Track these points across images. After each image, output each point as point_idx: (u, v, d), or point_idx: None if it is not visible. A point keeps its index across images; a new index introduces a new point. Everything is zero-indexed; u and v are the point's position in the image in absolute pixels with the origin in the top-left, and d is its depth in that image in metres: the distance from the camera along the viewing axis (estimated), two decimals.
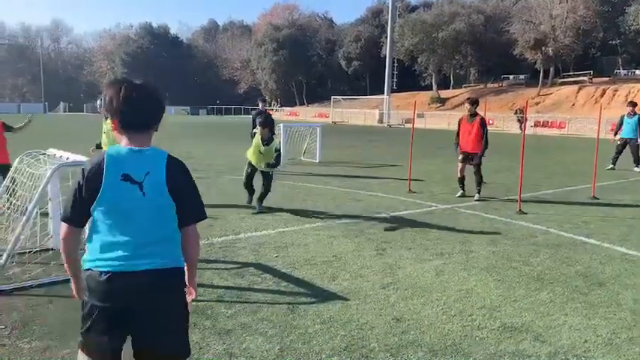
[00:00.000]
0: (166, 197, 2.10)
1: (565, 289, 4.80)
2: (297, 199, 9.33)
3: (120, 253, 2.08)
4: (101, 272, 2.08)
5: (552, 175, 13.22)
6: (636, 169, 14.15)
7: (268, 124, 8.27)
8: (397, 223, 7.48)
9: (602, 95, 43.36)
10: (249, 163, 8.43)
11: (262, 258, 5.58)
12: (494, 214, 8.26)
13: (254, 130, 8.39)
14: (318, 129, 16.18)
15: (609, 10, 46.71)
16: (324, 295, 4.54)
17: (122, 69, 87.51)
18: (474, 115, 9.51)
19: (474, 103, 9.73)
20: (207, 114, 79.73)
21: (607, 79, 48.22)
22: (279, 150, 8.31)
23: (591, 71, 49.68)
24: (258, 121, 8.56)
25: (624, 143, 14.46)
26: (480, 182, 9.52)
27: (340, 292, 4.61)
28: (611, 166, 14.33)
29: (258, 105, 14.00)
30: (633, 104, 14.82)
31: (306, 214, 7.92)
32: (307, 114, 63.47)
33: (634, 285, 4.94)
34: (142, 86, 2.18)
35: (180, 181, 2.14)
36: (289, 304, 4.32)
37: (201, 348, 3.49)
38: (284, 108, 72.45)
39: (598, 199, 9.69)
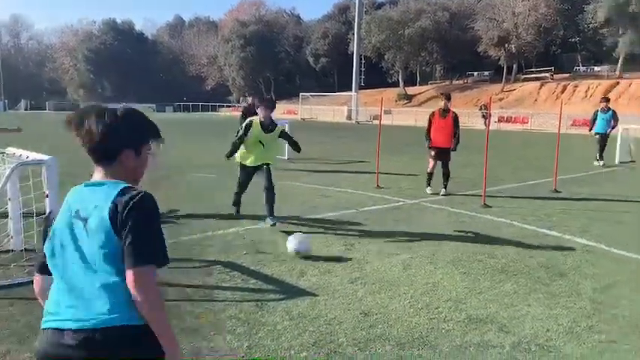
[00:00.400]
0: (109, 238, 1.67)
1: (528, 281, 4.92)
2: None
3: (52, 306, 1.74)
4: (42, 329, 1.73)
5: (516, 170, 13.52)
6: (596, 162, 14.53)
7: (273, 106, 7.12)
8: (365, 218, 7.53)
9: (562, 91, 44.58)
10: (243, 168, 7.09)
11: (231, 256, 5.54)
12: (460, 208, 8.39)
13: (246, 122, 6.89)
14: (286, 125, 16.12)
15: (569, 8, 47.98)
16: (292, 292, 4.54)
17: (85, 65, 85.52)
18: (447, 110, 9.60)
19: (450, 98, 9.88)
20: (174, 111, 78.55)
21: (567, 75, 49.60)
22: (288, 134, 7.32)
23: (552, 68, 51.01)
24: (259, 107, 7.12)
25: (602, 137, 14.52)
26: (447, 177, 9.66)
27: (309, 288, 4.62)
28: (602, 162, 14.46)
29: (247, 100, 14.22)
30: (607, 100, 15.14)
31: (275, 211, 7.87)
32: (276, 110, 62.69)
33: (593, 275, 5.11)
34: (93, 112, 1.79)
35: (128, 219, 1.67)
36: (258, 301, 4.31)
37: None
38: None
39: (559, 192, 9.97)
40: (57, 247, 1.75)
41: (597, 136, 14.62)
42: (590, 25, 45.40)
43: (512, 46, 48.05)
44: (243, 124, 6.93)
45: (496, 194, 9.52)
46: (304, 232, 6.45)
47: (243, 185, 7.22)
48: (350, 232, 6.67)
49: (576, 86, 44.57)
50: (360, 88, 54.92)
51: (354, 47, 54.08)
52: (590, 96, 42.09)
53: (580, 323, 3.99)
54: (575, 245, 6.21)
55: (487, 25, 48.61)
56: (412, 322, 3.95)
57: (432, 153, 9.61)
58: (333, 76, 69.97)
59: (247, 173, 7.11)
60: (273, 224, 6.66)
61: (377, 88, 58.79)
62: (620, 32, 43.51)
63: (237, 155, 7.02)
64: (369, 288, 4.66)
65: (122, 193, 1.72)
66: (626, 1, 41.37)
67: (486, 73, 56.82)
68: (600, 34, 45.69)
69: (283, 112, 60.26)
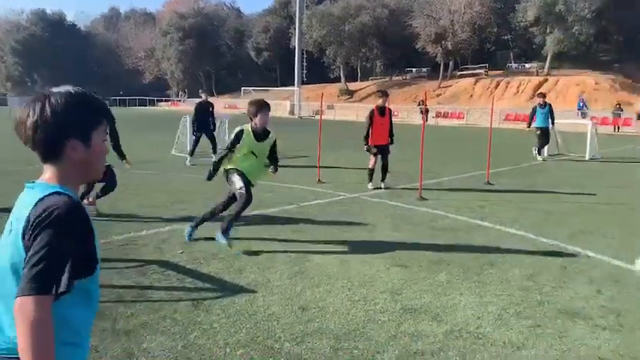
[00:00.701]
0: (19, 254, 1.41)
1: (461, 270, 5.09)
2: (206, 192, 9.12)
3: None
4: None
5: (451, 163, 13.95)
6: (537, 156, 14.99)
7: (266, 109, 5.86)
8: (306, 213, 7.55)
9: (496, 87, 46.35)
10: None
11: (166, 254, 5.41)
12: (397, 201, 8.57)
13: (237, 131, 5.79)
14: (226, 120, 15.92)
15: (502, 7, 49.87)
16: (230, 289, 4.49)
17: (13, 58, 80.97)
18: (384, 107, 9.75)
19: (387, 95, 10.04)
20: (110, 105, 75.42)
21: (501, 72, 51.58)
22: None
23: (487, 64, 52.90)
24: (257, 112, 5.78)
25: (544, 131, 14.93)
26: (386, 171, 9.82)
27: (247, 285, 4.58)
28: (543, 156, 14.98)
29: (201, 96, 14.05)
30: (543, 95, 15.62)
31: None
32: (217, 105, 61.93)
33: (522, 263, 5.34)
34: (29, 102, 1.49)
35: (33, 236, 1.38)
36: (193, 300, 4.22)
37: (97, 351, 3.32)
38: (192, 99, 70.53)
39: (492, 184, 10.36)
40: None
41: (538, 131, 14.99)
42: (521, 24, 47.35)
43: (449, 43, 49.46)
44: (234, 132, 5.82)
45: (432, 187, 9.78)
46: (244, 229, 6.39)
47: (226, 206, 5.95)
48: (290, 228, 6.66)
49: (509, 82, 46.47)
50: (303, 83, 54.99)
51: (295, 42, 54.04)
52: (522, 92, 44.03)
53: (508, 310, 4.16)
54: (505, 235, 6.48)
55: (425, 22, 49.78)
56: (349, 315, 3.99)
57: (375, 150, 9.71)
58: (275, 71, 69.58)
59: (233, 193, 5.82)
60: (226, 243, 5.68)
61: (319, 83, 58.99)
62: (548, 31, 45.65)
63: (229, 166, 5.80)
64: (308, 283, 4.67)
65: (41, 201, 1.42)
66: (553, 1, 43.44)
67: (424, 69, 58.22)
68: (530, 33, 47.76)
69: (225, 107, 59.45)
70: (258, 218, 7.11)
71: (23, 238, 1.40)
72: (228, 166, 5.80)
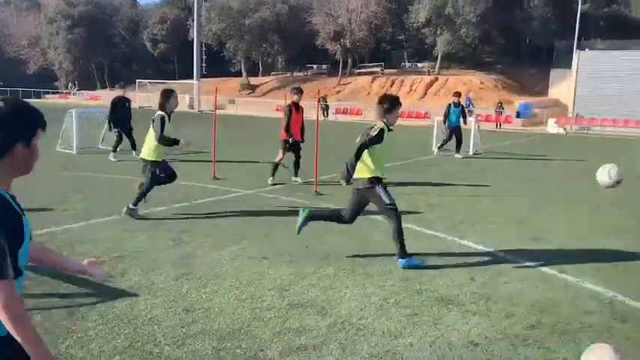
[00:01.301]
0: None
1: (348, 264, 5.24)
2: (91, 190, 8.63)
3: None
4: None
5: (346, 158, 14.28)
6: (457, 155, 15.38)
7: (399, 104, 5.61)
8: (199, 210, 7.39)
9: (391, 85, 48.19)
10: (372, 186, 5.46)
11: None
12: (293, 197, 8.64)
13: (379, 128, 5.36)
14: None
15: (396, 7, 51.89)
16: (110, 294, 4.27)
17: None
18: (298, 103, 9.98)
19: (302, 92, 10.29)
20: None
21: (396, 70, 53.76)
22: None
23: (383, 63, 54.88)
24: (388, 109, 5.46)
25: (452, 131, 15.32)
26: (299, 166, 9.92)
27: (129, 289, 4.39)
28: (437, 149, 15.62)
29: (120, 93, 14.03)
30: (458, 94, 16.02)
31: (100, 208, 7.35)
32: (111, 98, 58.79)
33: None
34: None
35: None
36: (68, 307, 3.97)
37: None
38: (83, 92, 66.24)
39: (385, 178, 10.74)
40: None
41: (449, 129, 15.38)
42: (414, 25, 49.59)
43: (347, 41, 50.64)
44: (376, 130, 5.38)
45: (328, 182, 9.97)
46: (130, 230, 6.13)
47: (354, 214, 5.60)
48: (180, 227, 6.48)
49: (403, 81, 48.54)
50: (203, 76, 53.61)
51: (194, 34, 52.56)
52: (414, 90, 46.19)
53: (389, 300, 4.35)
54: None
55: (324, 20, 50.55)
56: (235, 314, 3.96)
57: (288, 146, 9.76)
58: (173, 63, 67.23)
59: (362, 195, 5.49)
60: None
61: (220, 77, 57.93)
62: (439, 32, 48.23)
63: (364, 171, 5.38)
64: (195, 283, 4.57)
65: None
66: (442, 4, 45.96)
67: (324, 66, 59.13)
68: (422, 34, 50.14)
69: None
70: (145, 218, 6.84)
71: None
72: (368, 175, 5.37)
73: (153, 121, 6.91)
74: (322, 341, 3.57)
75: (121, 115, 13.29)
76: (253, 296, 4.32)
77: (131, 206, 6.72)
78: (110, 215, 6.88)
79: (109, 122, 13.45)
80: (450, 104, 15.56)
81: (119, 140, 13.12)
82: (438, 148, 15.88)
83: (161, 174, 7.01)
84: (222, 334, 3.62)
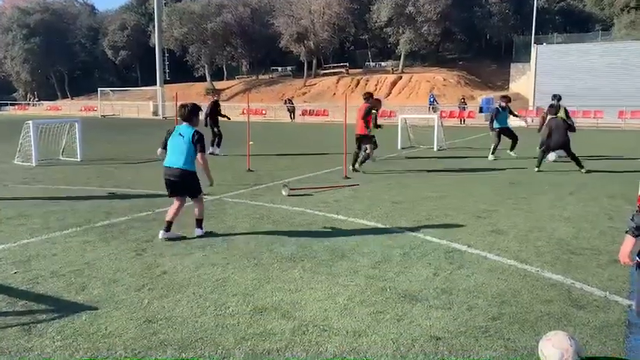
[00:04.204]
0: None
1: (313, 264, 5.24)
2: (50, 203, 8.40)
3: None
4: None
5: (313, 159, 14.32)
6: (511, 153, 14.84)
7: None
8: (161, 219, 7.25)
9: (357, 85, 48.56)
10: None
11: None
12: (259, 200, 8.60)
13: None
14: (77, 124, 14.82)
15: (358, 7, 52.28)
16: (69, 309, 4.16)
17: None
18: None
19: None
20: None
21: (360, 70, 54.14)
22: None
23: (347, 63, 55.23)
24: None
25: (502, 132, 14.76)
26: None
27: (89, 302, 4.29)
28: (491, 155, 14.93)
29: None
30: (507, 99, 15.21)
31: (59, 220, 7.17)
32: (72, 108, 57.67)
33: (369, 252, 5.64)
34: None
35: None
36: (25, 324, 3.85)
37: None
38: (43, 102, 64.54)
39: (349, 178, 10.83)
40: None
41: (496, 131, 14.72)
42: (377, 24, 50.07)
43: (311, 42, 50.79)
44: None
45: (294, 185, 9.96)
46: (90, 242, 6.00)
47: None
48: (143, 237, 6.37)
49: (367, 80, 48.94)
50: (166, 82, 52.91)
51: (155, 40, 51.82)
52: (379, 89, 46.57)
53: (354, 299, 4.37)
54: (357, 227, 6.79)
55: (286, 22, 50.57)
56: (198, 323, 3.91)
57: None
58: (135, 70, 66.26)
59: None
60: None
61: (184, 83, 57.33)
62: (401, 31, 48.79)
63: None
64: (157, 293, 4.50)
65: None
66: (403, 3, 46.51)
67: (289, 68, 59.21)
68: (385, 33, 50.68)
69: (81, 109, 55.41)
70: (106, 229, 6.71)
71: None
72: None
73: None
74: (286, 345, 3.56)
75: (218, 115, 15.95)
76: (217, 303, 4.28)
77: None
78: (69, 228, 6.72)
79: (212, 122, 15.93)
80: (498, 107, 15.09)
81: (220, 137, 15.84)
82: (492, 153, 14.73)
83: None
84: (184, 344, 3.57)
